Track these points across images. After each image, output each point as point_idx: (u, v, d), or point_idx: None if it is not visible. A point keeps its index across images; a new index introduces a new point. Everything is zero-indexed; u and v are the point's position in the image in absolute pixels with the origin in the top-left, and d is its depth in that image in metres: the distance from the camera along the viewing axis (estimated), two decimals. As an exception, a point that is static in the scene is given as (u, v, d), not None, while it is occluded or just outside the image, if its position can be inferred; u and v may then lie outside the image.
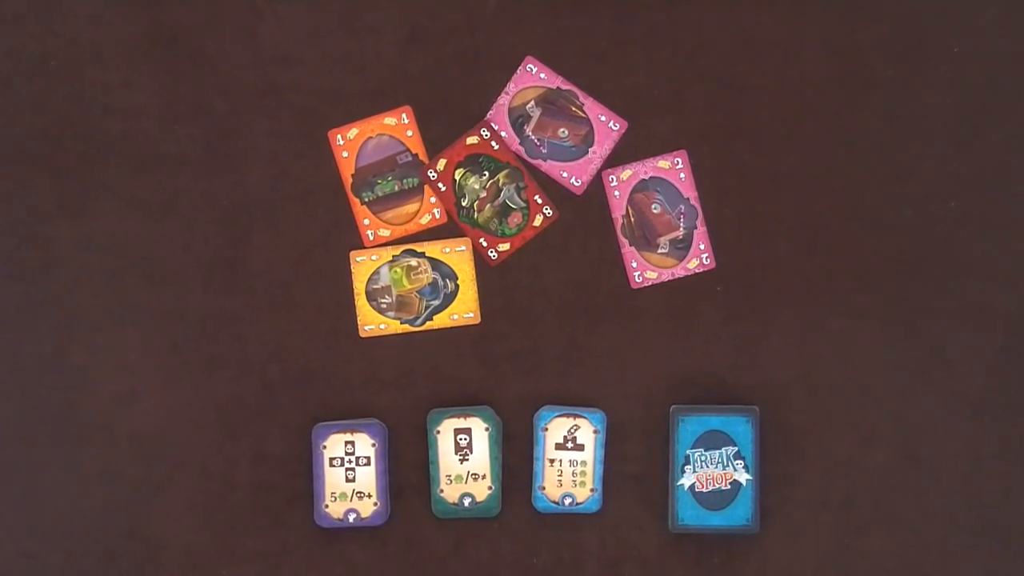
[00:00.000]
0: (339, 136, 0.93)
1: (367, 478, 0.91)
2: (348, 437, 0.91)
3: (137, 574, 0.94)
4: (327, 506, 0.91)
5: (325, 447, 0.91)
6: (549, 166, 0.94)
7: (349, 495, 0.91)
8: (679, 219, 0.93)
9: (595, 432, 0.92)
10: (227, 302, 0.93)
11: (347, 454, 0.91)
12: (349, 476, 0.91)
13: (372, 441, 0.91)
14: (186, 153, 0.94)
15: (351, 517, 0.91)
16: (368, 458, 0.91)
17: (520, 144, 0.94)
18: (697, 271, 0.93)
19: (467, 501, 0.92)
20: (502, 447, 0.92)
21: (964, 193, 0.93)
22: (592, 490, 0.92)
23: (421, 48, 0.93)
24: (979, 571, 0.93)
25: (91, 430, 0.93)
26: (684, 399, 0.93)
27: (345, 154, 0.93)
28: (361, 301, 0.93)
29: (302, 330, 0.93)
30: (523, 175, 0.93)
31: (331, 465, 0.91)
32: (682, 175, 0.93)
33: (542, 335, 0.94)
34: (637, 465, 0.93)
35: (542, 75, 0.93)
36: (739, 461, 0.91)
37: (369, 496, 0.91)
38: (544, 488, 0.92)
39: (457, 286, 0.93)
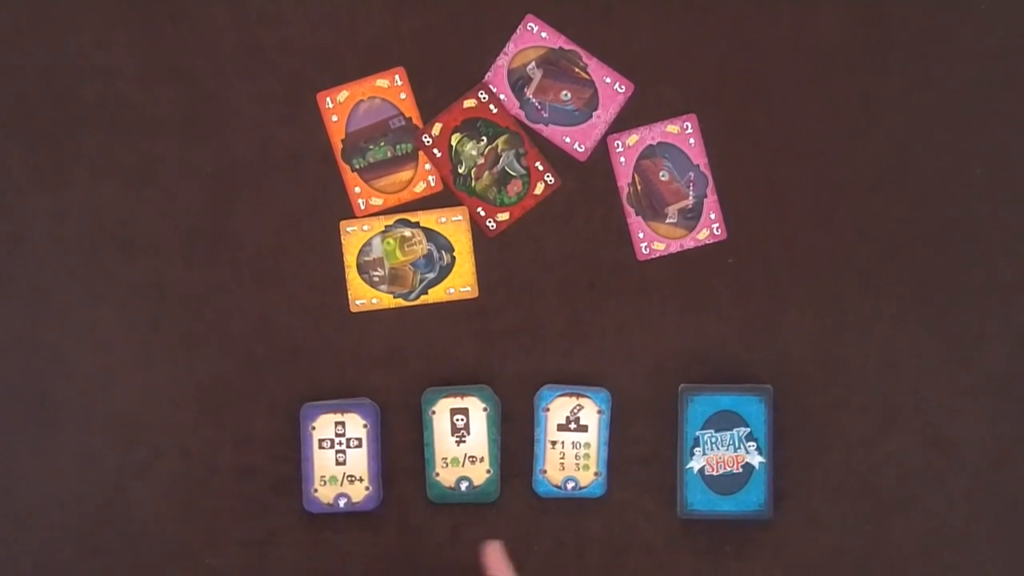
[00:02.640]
0: (328, 99, 0.92)
1: (358, 461, 0.90)
2: (338, 417, 0.90)
3: (115, 563, 0.93)
4: (316, 490, 0.90)
5: (314, 428, 0.90)
6: (551, 131, 0.92)
7: (340, 479, 0.90)
8: (688, 187, 0.92)
9: (599, 412, 0.91)
10: (210, 275, 0.92)
11: (337, 435, 0.90)
12: (339, 459, 0.90)
13: (364, 422, 0.90)
14: (166, 118, 0.93)
15: (342, 502, 0.90)
16: (359, 440, 0.90)
17: (520, 108, 0.93)
18: (707, 242, 0.92)
19: (464, 485, 0.91)
20: (501, 428, 0.92)
21: (991, 160, 0.92)
22: (596, 474, 0.91)
23: (415, 5, 0.92)
24: (1004, 559, 0.92)
25: (66, 412, 0.92)
26: (693, 377, 0.92)
27: (335, 118, 0.92)
28: (352, 274, 0.92)
29: (289, 305, 0.92)
30: (523, 141, 0.92)
31: (320, 447, 0.90)
32: (691, 140, 0.92)
33: (543, 310, 0.93)
34: (644, 447, 0.92)
35: (544, 34, 0.92)
36: (751, 443, 0.90)
37: (360, 480, 0.90)
38: (545, 472, 0.91)
39: (453, 258, 0.92)
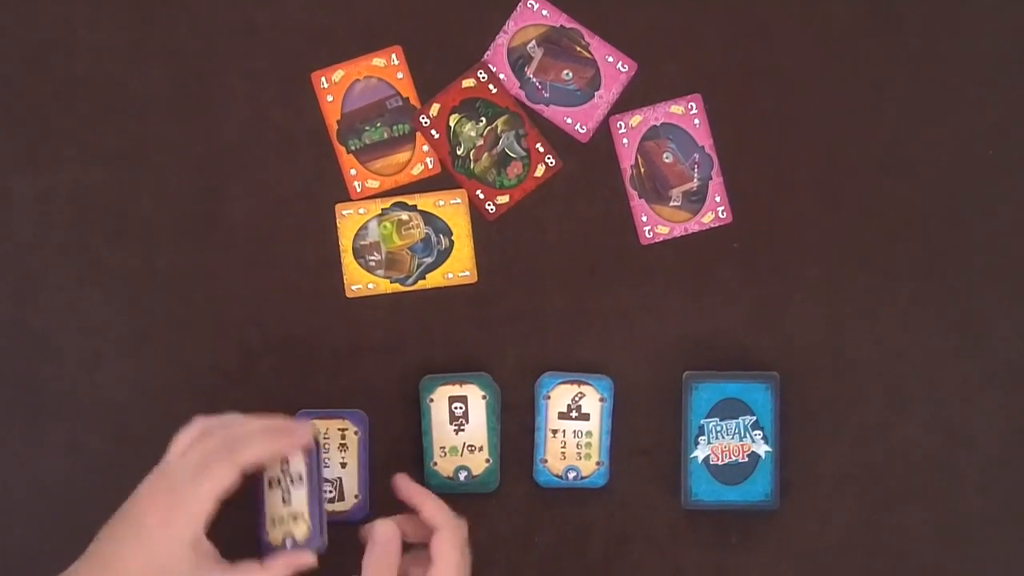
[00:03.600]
0: (323, 79, 0.92)
1: (300, 501, 0.81)
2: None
3: None
4: (268, 534, 0.82)
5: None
6: (552, 111, 0.92)
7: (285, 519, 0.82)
8: (693, 169, 0.92)
9: (601, 400, 0.91)
10: (201, 260, 0.92)
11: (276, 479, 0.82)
12: (285, 498, 0.81)
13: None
14: (156, 98, 0.92)
15: (289, 542, 0.81)
16: (301, 476, 0.80)
17: (520, 88, 0.92)
18: (713, 226, 0.92)
19: (463, 475, 0.91)
20: (500, 417, 0.91)
21: (1003, 140, 0.92)
22: (598, 463, 0.91)
23: (412, -18, 0.92)
24: (1018, 550, 0.92)
25: (53, 399, 0.92)
26: (698, 364, 0.91)
27: (330, 98, 0.92)
28: (347, 259, 0.92)
29: (283, 290, 0.92)
30: (523, 121, 0.92)
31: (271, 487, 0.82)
32: (696, 121, 0.92)
33: (544, 295, 0.92)
34: (647, 436, 0.92)
35: (544, 12, 0.92)
36: (758, 432, 0.89)
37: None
38: (546, 461, 0.91)
39: (452, 242, 0.92)
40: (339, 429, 0.90)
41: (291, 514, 0.80)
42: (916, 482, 0.91)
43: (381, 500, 0.89)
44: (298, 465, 0.80)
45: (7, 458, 0.91)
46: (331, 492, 0.90)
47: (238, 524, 0.85)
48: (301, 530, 0.80)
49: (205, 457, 0.75)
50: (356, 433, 0.89)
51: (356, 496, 0.90)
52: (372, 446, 0.91)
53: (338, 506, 0.90)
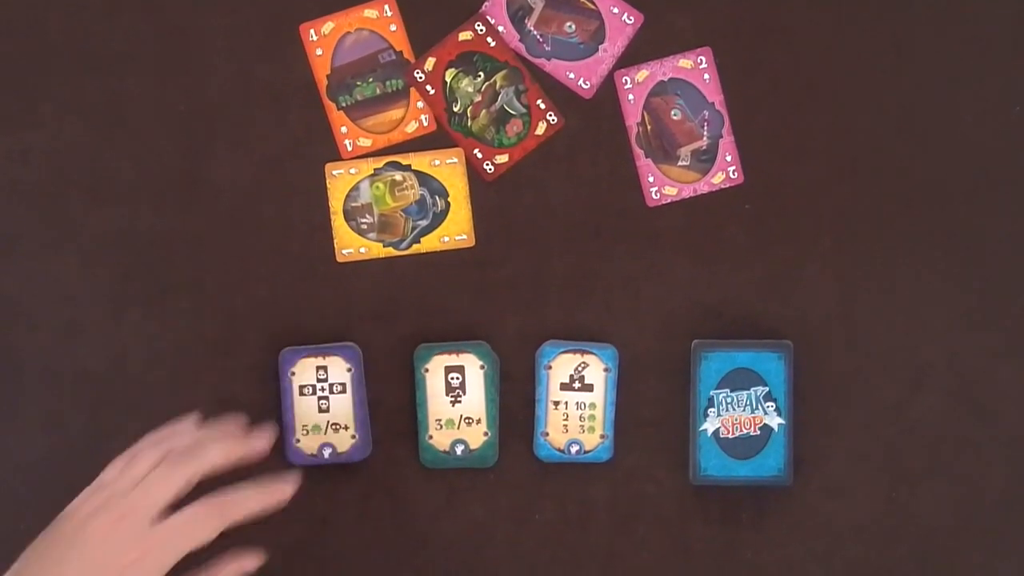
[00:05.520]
0: (312, 31, 0.91)
1: (343, 408, 0.89)
2: (320, 362, 0.89)
3: None
4: (299, 440, 0.89)
5: (294, 374, 0.89)
6: (553, 66, 0.91)
7: (323, 427, 0.89)
8: (702, 127, 0.91)
9: (606, 370, 0.90)
10: (184, 223, 0.92)
11: (319, 380, 0.89)
12: (323, 406, 0.89)
13: (348, 366, 0.89)
14: (136, 53, 0.92)
15: (326, 452, 0.89)
16: (343, 385, 0.89)
17: (520, 41, 0.91)
18: (723, 187, 0.91)
19: (459, 449, 0.90)
20: (499, 388, 0.91)
21: None
22: (602, 436, 0.90)
23: (406, -72, 0.92)
24: None
25: (28, 371, 0.92)
26: (707, 333, 0.91)
27: (319, 52, 0.91)
28: (338, 221, 0.91)
29: (270, 255, 0.92)
30: (524, 76, 0.91)
31: (301, 394, 0.89)
32: (706, 76, 0.91)
33: (545, 260, 0.91)
34: (653, 408, 0.91)
35: None
36: (770, 403, 0.88)
37: (346, 428, 0.90)
38: (548, 434, 0.90)
39: (448, 204, 0.91)
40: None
41: (331, 423, 0.87)
42: (936, 458, 0.91)
43: (381, 459, 0.90)
44: (339, 374, 0.87)
45: (-19, 432, 0.91)
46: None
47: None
48: (344, 439, 0.88)
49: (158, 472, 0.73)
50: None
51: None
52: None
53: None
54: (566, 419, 0.90)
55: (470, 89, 0.91)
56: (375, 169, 0.91)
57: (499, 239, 0.91)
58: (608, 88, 0.91)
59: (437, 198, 0.91)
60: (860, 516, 0.91)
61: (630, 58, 0.91)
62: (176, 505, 0.72)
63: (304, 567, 0.91)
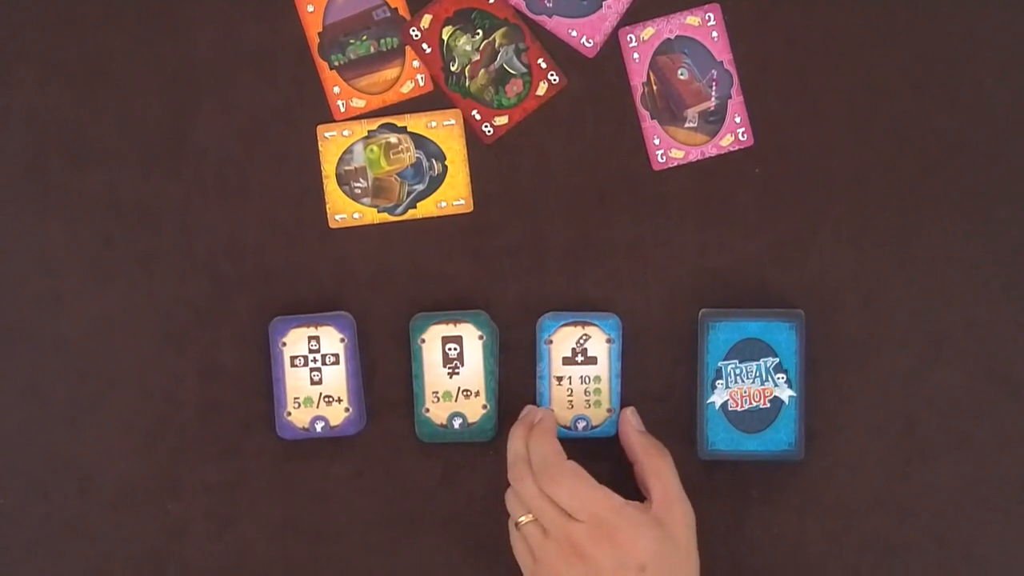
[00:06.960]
0: None
1: (336, 380, 0.89)
2: (312, 332, 0.88)
3: (66, 510, 0.92)
4: (290, 413, 0.88)
5: (285, 344, 0.88)
6: (555, 23, 0.90)
7: (316, 400, 0.89)
8: (710, 87, 0.90)
9: (609, 342, 0.88)
10: (170, 187, 0.90)
11: (311, 351, 0.88)
12: (315, 378, 0.89)
13: (340, 336, 0.88)
14: (118, 10, 0.90)
15: (319, 426, 0.88)
16: (336, 356, 0.88)
17: None
18: (732, 149, 0.90)
19: (457, 423, 0.89)
20: (499, 359, 0.89)
21: None
22: (609, 411, 0.88)
23: None
24: None
25: (9, 340, 0.91)
26: (716, 302, 0.90)
27: (310, 8, 0.89)
28: (331, 185, 0.90)
29: (260, 220, 0.90)
30: (524, 34, 0.90)
31: (293, 365, 0.88)
32: (714, 34, 0.89)
33: (546, 226, 0.90)
34: (659, 381, 0.90)
35: None
36: (781, 375, 0.87)
37: (339, 401, 0.89)
38: (552, 410, 0.89)
39: (445, 167, 0.90)
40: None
41: (323, 395, 0.86)
42: (954, 432, 0.90)
43: (376, 433, 0.90)
44: (332, 344, 0.86)
45: (-40, 405, 0.90)
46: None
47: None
48: (337, 413, 0.87)
49: None
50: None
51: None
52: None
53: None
54: (571, 394, 0.88)
55: (468, 47, 0.89)
56: (369, 131, 0.89)
57: (498, 204, 0.90)
58: (612, 46, 0.89)
59: (434, 161, 0.90)
60: (875, 491, 0.90)
61: (635, 15, 0.89)
62: None
63: (296, 546, 0.90)
